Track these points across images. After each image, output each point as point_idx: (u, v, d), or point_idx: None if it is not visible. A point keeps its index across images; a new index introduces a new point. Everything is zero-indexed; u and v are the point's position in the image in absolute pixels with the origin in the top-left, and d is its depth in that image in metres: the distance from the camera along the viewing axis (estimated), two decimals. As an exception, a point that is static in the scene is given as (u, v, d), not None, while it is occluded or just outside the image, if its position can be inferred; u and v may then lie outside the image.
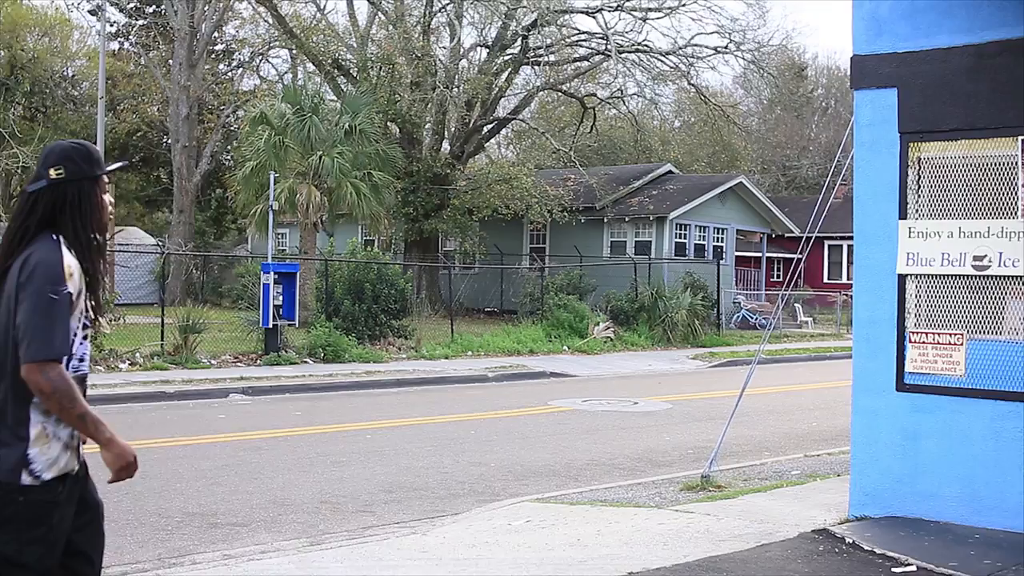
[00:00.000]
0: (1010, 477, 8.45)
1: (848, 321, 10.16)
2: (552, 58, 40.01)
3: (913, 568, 7.65)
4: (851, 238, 9.46)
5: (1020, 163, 8.47)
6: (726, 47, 41.08)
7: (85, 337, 4.51)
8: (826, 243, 50.78)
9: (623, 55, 39.22)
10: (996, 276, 8.59)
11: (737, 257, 44.18)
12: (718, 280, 37.10)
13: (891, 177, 9.04)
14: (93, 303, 4.54)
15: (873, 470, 9.05)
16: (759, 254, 47.17)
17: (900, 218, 8.99)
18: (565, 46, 40.54)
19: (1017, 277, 8.49)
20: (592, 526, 9.13)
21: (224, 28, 47.98)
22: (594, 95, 43.88)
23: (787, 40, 60.48)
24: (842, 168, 10.35)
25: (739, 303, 41.27)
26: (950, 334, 8.78)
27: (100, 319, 4.69)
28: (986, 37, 8.64)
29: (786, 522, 9.02)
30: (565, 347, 29.35)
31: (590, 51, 41.34)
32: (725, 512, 9.49)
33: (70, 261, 4.38)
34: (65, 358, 4.30)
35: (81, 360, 4.47)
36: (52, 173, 4.47)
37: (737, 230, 43.37)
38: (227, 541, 9.09)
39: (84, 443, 4.54)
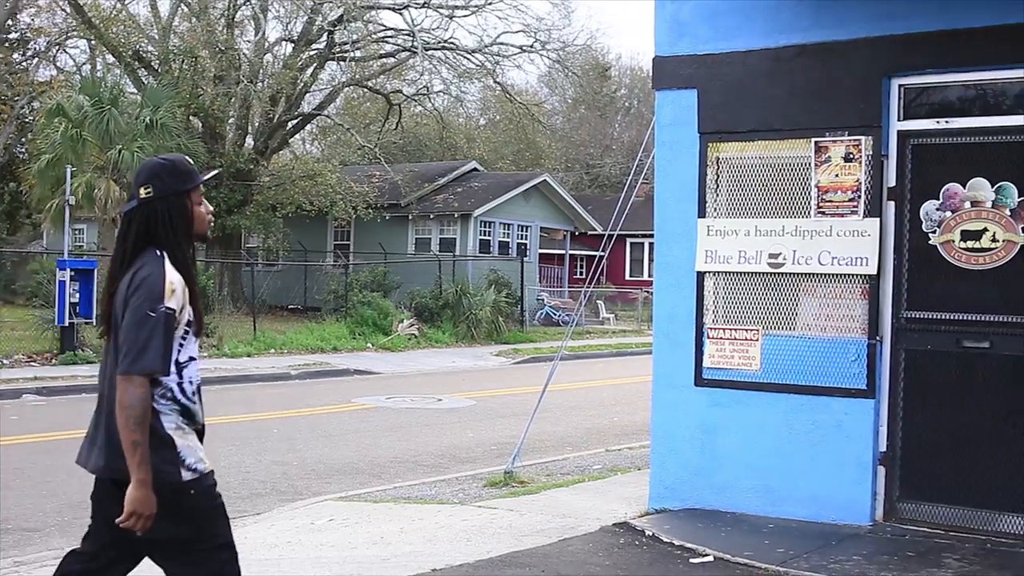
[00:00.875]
0: (801, 468, 8.73)
1: (649, 317, 10.36)
2: (358, 54, 39.73)
3: (710, 558, 7.82)
4: (652, 236, 9.62)
5: (814, 164, 8.74)
6: (532, 46, 41.46)
7: (190, 345, 4.70)
8: (628, 241, 51.62)
9: (429, 52, 39.22)
10: (790, 273, 8.85)
11: (541, 254, 44.62)
12: (522, 277, 37.41)
13: (690, 176, 9.23)
14: (196, 313, 4.74)
15: (672, 464, 9.23)
16: (563, 251, 47.76)
17: (699, 216, 9.19)
18: (371, 42, 40.31)
19: (810, 274, 8.77)
20: (396, 524, 9.08)
21: (19, 16, 46.18)
22: (400, 92, 43.74)
23: (592, 40, 61.51)
24: (644, 167, 10.52)
25: (543, 300, 41.69)
26: (747, 330, 9.02)
27: (202, 325, 4.87)
28: (783, 41, 8.89)
29: (588, 516, 9.13)
30: (369, 344, 29.21)
31: (396, 48, 41.16)
32: (528, 507, 9.56)
33: (173, 277, 4.58)
34: (173, 371, 4.56)
35: (189, 361, 4.68)
36: (142, 192, 4.69)
37: (541, 228, 43.81)
38: (19, 547, 8.77)
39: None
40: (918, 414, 8.50)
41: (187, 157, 5.02)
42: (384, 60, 42.18)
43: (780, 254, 8.84)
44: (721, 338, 9.11)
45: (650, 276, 9.60)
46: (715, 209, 9.20)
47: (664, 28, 9.46)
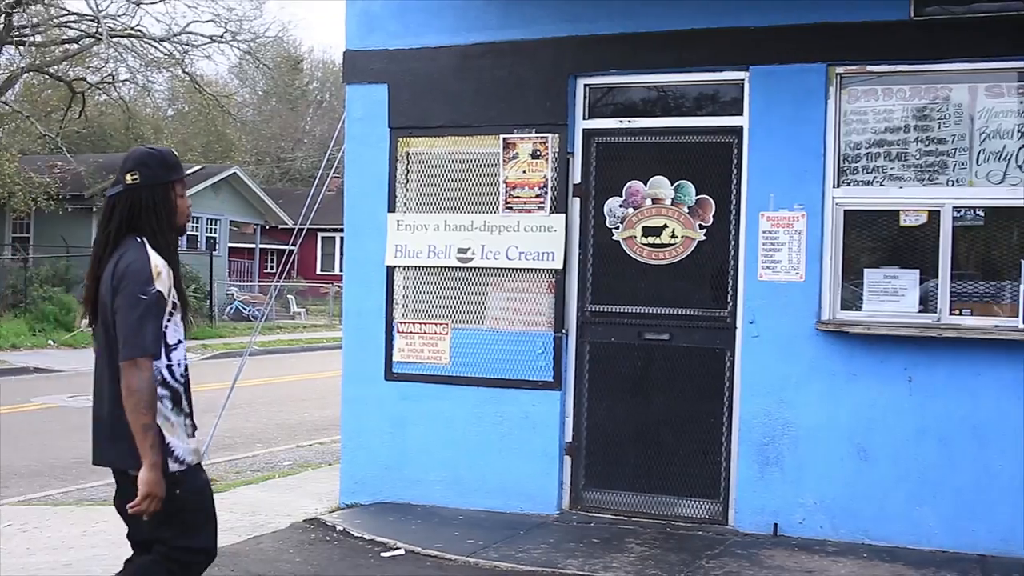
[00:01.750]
0: (490, 459, 8.87)
1: (340, 312, 10.26)
2: (39, 39, 37.93)
3: (401, 551, 7.84)
4: (343, 230, 9.58)
5: (502, 160, 8.89)
6: (222, 36, 40.66)
7: (177, 327, 4.75)
8: (319, 235, 51.32)
9: (115, 39, 37.84)
10: (479, 268, 8.98)
11: (231, 248, 43.80)
12: (211, 272, 36.59)
13: (381, 171, 9.23)
14: (180, 297, 4.80)
15: (362, 458, 9.21)
16: (253, 245, 47.02)
17: (389, 211, 9.20)
18: (53, 27, 38.59)
19: (498, 269, 8.92)
20: (78, 527, 8.72)
21: None
22: (84, 79, 41.99)
23: (284, 32, 61.00)
24: (335, 161, 10.45)
25: (232, 295, 40.93)
26: (436, 324, 9.09)
27: (188, 308, 4.92)
28: (472, 39, 9.00)
29: (278, 513, 9.01)
30: (51, 341, 27.99)
31: (80, 34, 39.48)
32: (217, 506, 9.31)
33: (157, 260, 4.63)
34: (163, 354, 4.59)
35: (177, 344, 4.73)
36: (128, 178, 4.76)
37: (231, 221, 42.99)
38: None
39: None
40: (602, 405, 8.78)
41: (174, 150, 5.13)
42: (67, 46, 40.42)
43: (469, 248, 8.95)
44: (411, 332, 9.15)
45: (341, 271, 9.65)
46: (405, 204, 9.23)
47: (355, 22, 9.43)
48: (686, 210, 8.50)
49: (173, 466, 4.59)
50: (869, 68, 8.12)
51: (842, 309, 8.15)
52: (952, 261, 7.88)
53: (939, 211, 7.90)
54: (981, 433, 7.78)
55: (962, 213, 7.92)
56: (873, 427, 8.01)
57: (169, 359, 4.67)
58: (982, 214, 7.95)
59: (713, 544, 8.00)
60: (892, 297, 8.04)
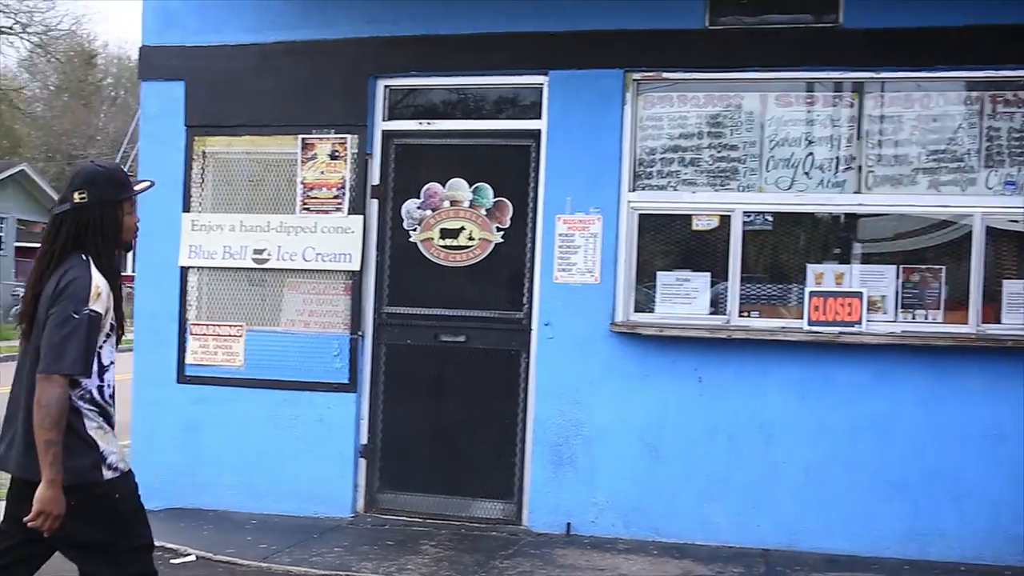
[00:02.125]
0: (284, 463, 8.77)
1: (132, 313, 10.05)
2: None
3: (192, 557, 7.69)
4: (136, 229, 9.33)
5: (300, 161, 8.80)
6: (11, 28, 39.26)
7: (111, 349, 4.76)
8: (113, 236, 49.96)
9: None
10: (275, 269, 8.86)
11: (18, 248, 42.34)
12: (-3, 272, 35.36)
13: (176, 170, 9.04)
14: (117, 318, 4.77)
15: (153, 463, 8.96)
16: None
17: (184, 211, 9.02)
18: None
19: (295, 270, 8.82)
20: None
21: None
22: None
23: (77, 25, 59.04)
24: (129, 159, 10.21)
25: (19, 295, 39.55)
26: (231, 326, 8.94)
27: (123, 330, 4.90)
28: (272, 37, 8.88)
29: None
30: None
31: None
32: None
33: (99, 281, 4.56)
34: (95, 374, 4.55)
35: (110, 365, 4.72)
36: (76, 197, 4.62)
37: (19, 220, 41.57)
38: None
39: None
40: (398, 407, 8.77)
41: (123, 167, 4.93)
42: None
43: (265, 250, 8.83)
44: (205, 334, 8.98)
45: (135, 271, 9.44)
46: (200, 204, 9.06)
47: (152, 16, 9.20)
48: (484, 212, 8.56)
49: (108, 473, 4.56)
50: (665, 75, 8.30)
51: (636, 311, 8.31)
52: (742, 264, 8.11)
53: (730, 216, 8.13)
54: (768, 431, 8.04)
55: (752, 218, 8.16)
56: (665, 427, 8.19)
57: (101, 380, 4.64)
58: (771, 219, 8.21)
59: (507, 544, 8.06)
60: (684, 299, 8.23)
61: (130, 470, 4.73)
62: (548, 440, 8.36)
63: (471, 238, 8.57)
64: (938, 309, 7.92)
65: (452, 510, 8.63)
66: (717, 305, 8.18)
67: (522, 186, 8.52)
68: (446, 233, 8.63)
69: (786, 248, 8.28)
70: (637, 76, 8.31)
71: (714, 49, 8.17)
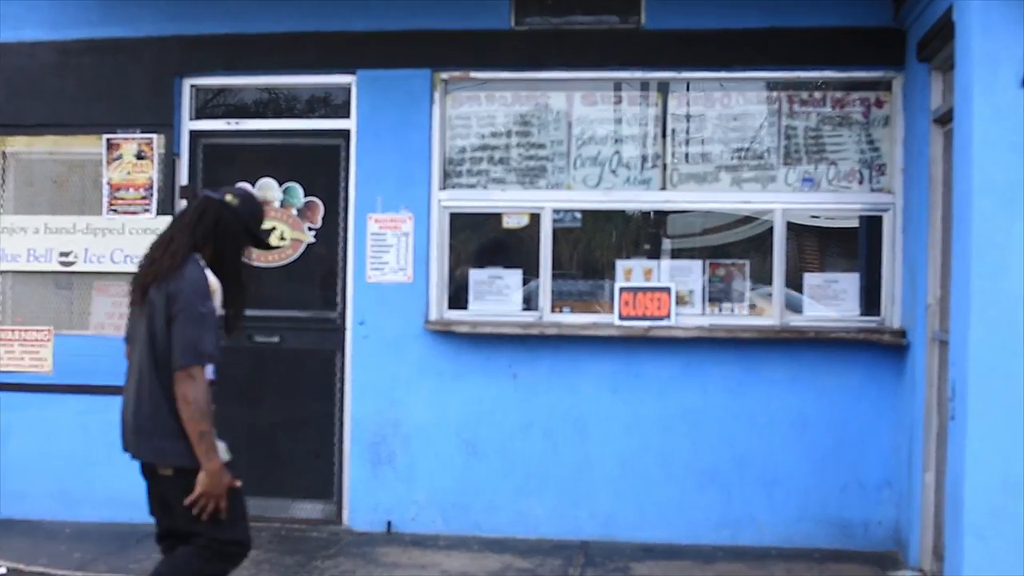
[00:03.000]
0: (98, 470, 8.58)
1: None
2: None
3: (3, 570, 7.53)
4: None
5: (105, 161, 8.63)
6: None
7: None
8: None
9: None
10: (83, 272, 8.69)
11: None
12: None
13: (-23, 170, 8.79)
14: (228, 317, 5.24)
15: (-38, 473, 8.76)
16: None
17: (-13, 213, 8.78)
18: None
19: (103, 273, 8.65)
20: None
21: None
22: None
23: None
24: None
25: None
26: (37, 331, 8.74)
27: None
28: (71, 35, 8.67)
29: None
30: None
31: None
32: None
33: (212, 279, 4.99)
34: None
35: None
36: (228, 197, 5.15)
37: None
38: None
39: None
40: (218, 408, 8.65)
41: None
42: None
43: (71, 252, 8.65)
44: (11, 340, 8.76)
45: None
46: (2, 205, 8.81)
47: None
48: (295, 212, 8.52)
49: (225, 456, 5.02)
50: (472, 74, 8.37)
51: (450, 309, 8.38)
52: (553, 261, 8.25)
53: (540, 213, 8.24)
54: (582, 425, 8.20)
55: (561, 215, 8.29)
56: (481, 423, 8.29)
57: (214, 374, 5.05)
58: (580, 216, 8.36)
59: (328, 544, 8.08)
60: (497, 296, 8.33)
61: (231, 462, 5.15)
62: (366, 439, 8.39)
63: (283, 238, 8.52)
64: (743, 302, 8.18)
65: (272, 512, 8.59)
66: (530, 302, 8.30)
67: (333, 186, 8.50)
68: (258, 233, 8.56)
69: (596, 244, 8.43)
70: (445, 76, 8.36)
71: (520, 49, 8.25)
